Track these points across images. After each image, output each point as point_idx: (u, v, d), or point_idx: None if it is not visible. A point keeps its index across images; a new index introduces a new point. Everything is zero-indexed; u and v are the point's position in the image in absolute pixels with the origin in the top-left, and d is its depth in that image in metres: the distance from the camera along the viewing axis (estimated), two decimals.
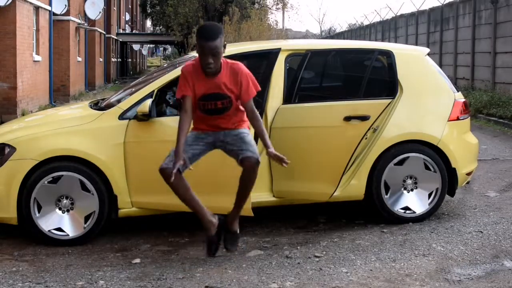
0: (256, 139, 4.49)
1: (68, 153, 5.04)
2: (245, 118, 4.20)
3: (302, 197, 5.45)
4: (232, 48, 5.71)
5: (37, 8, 17.10)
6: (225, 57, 5.25)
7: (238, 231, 4.48)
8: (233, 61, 3.95)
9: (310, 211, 5.98)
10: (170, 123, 5.19)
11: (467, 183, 6.16)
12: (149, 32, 58.90)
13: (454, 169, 5.62)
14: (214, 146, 4.23)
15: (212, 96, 3.89)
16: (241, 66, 3.99)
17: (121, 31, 42.97)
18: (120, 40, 41.90)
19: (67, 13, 21.07)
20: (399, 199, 5.58)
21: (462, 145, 5.79)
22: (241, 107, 4.11)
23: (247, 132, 4.17)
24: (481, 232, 5.33)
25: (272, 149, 4.05)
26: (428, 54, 6.05)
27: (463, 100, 5.95)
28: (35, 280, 4.34)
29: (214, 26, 3.84)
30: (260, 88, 4.16)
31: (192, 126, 4.21)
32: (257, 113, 4.20)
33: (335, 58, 6.00)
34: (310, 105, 5.49)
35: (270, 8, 33.80)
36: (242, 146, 4.01)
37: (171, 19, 31.59)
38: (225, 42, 3.83)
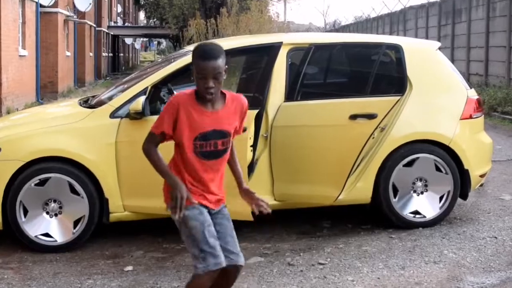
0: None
1: (56, 154, 5.04)
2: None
3: (305, 200, 5.45)
4: (231, 42, 5.72)
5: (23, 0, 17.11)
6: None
7: None
8: (233, 93, 3.51)
9: (313, 215, 5.99)
10: None
11: (481, 185, 6.16)
12: (142, 25, 58.94)
13: (467, 170, 5.62)
14: None
15: (213, 134, 3.32)
16: (244, 99, 3.50)
17: (112, 23, 43.01)
18: (112, 33, 41.93)
19: (55, 4, 21.08)
20: (408, 202, 5.58)
21: (475, 145, 5.79)
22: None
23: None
24: (496, 237, 5.33)
25: (245, 186, 3.53)
26: (439, 48, 6.06)
27: (477, 97, 5.96)
28: None
29: (214, 45, 3.40)
30: (241, 133, 3.58)
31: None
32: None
33: (340, 53, 6.00)
34: (314, 102, 5.49)
35: (271, 0, 33.82)
36: (229, 244, 3.39)
37: (165, 11, 31.60)
38: (226, 66, 3.33)
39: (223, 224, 3.41)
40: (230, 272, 3.40)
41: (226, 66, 3.34)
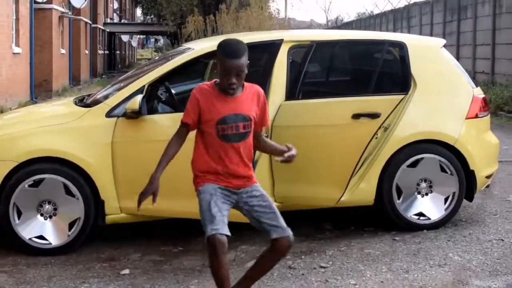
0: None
1: (50, 154, 5.04)
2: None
3: (307, 202, 5.45)
4: None
5: None
6: None
7: None
8: (251, 84, 3.83)
9: (315, 217, 5.99)
10: (162, 121, 5.20)
11: (487, 186, 6.16)
12: (139, 21, 58.95)
13: (473, 171, 5.62)
14: (236, 207, 3.80)
15: (234, 117, 3.65)
16: (261, 90, 3.85)
17: (108, 20, 43.01)
18: (108, 30, 41.93)
19: (50, 0, 21.11)
20: (413, 204, 5.58)
21: (481, 145, 5.79)
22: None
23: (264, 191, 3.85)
24: (502, 240, 5.33)
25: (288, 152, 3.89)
26: (444, 46, 6.06)
27: (483, 96, 5.96)
28: None
29: (239, 43, 3.73)
30: (268, 124, 3.98)
31: (199, 169, 3.76)
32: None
33: (343, 51, 6.00)
34: (315, 101, 5.50)
35: None
36: (273, 219, 3.72)
37: (163, 8, 31.63)
38: (249, 61, 3.68)
39: (259, 205, 3.73)
40: (277, 247, 3.72)
41: (248, 61, 3.67)
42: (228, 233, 3.57)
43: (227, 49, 3.63)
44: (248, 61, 3.67)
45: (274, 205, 3.82)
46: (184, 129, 3.75)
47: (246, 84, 3.75)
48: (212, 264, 3.59)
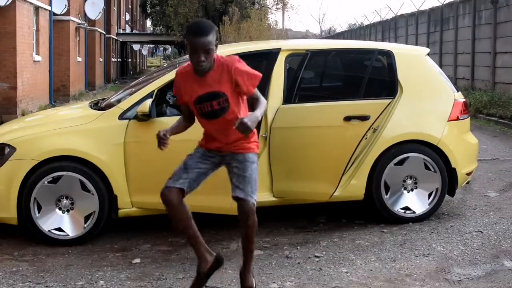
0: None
1: (68, 153, 5.04)
2: (254, 137, 3.76)
3: (302, 197, 5.45)
4: (232, 48, 5.73)
5: (37, 8, 17.10)
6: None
7: (254, 286, 3.86)
8: (227, 57, 3.67)
9: (310, 211, 5.98)
10: (170, 123, 5.15)
11: (467, 183, 6.16)
12: (149, 32, 58.91)
13: (454, 169, 5.62)
14: (219, 165, 3.83)
15: (206, 96, 3.55)
16: (233, 60, 3.60)
17: (121, 31, 42.97)
18: (120, 40, 41.91)
19: (67, 13, 21.07)
20: (399, 199, 5.58)
21: (462, 145, 5.79)
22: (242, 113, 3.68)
23: (254, 160, 3.71)
24: (481, 232, 5.33)
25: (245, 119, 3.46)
26: (428, 54, 6.05)
27: (463, 100, 5.95)
28: (35, 280, 4.34)
29: (205, 22, 3.54)
30: (261, 75, 3.72)
31: (200, 141, 3.89)
32: (263, 100, 3.68)
33: (335, 58, 6.00)
34: (310, 105, 5.49)
35: (270, 8, 33.82)
36: (241, 181, 3.61)
37: (171, 19, 31.64)
38: (217, 41, 3.54)
39: (237, 166, 3.67)
40: (238, 207, 3.62)
41: (217, 41, 3.54)
42: (180, 186, 3.61)
43: (194, 28, 3.48)
44: (217, 41, 3.53)
45: (254, 172, 3.65)
46: (182, 107, 3.81)
47: (217, 61, 3.57)
48: (172, 220, 3.67)
